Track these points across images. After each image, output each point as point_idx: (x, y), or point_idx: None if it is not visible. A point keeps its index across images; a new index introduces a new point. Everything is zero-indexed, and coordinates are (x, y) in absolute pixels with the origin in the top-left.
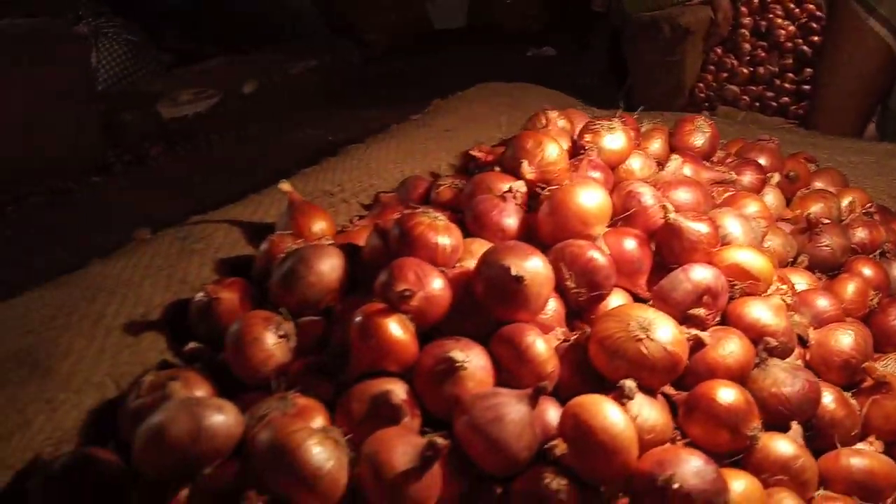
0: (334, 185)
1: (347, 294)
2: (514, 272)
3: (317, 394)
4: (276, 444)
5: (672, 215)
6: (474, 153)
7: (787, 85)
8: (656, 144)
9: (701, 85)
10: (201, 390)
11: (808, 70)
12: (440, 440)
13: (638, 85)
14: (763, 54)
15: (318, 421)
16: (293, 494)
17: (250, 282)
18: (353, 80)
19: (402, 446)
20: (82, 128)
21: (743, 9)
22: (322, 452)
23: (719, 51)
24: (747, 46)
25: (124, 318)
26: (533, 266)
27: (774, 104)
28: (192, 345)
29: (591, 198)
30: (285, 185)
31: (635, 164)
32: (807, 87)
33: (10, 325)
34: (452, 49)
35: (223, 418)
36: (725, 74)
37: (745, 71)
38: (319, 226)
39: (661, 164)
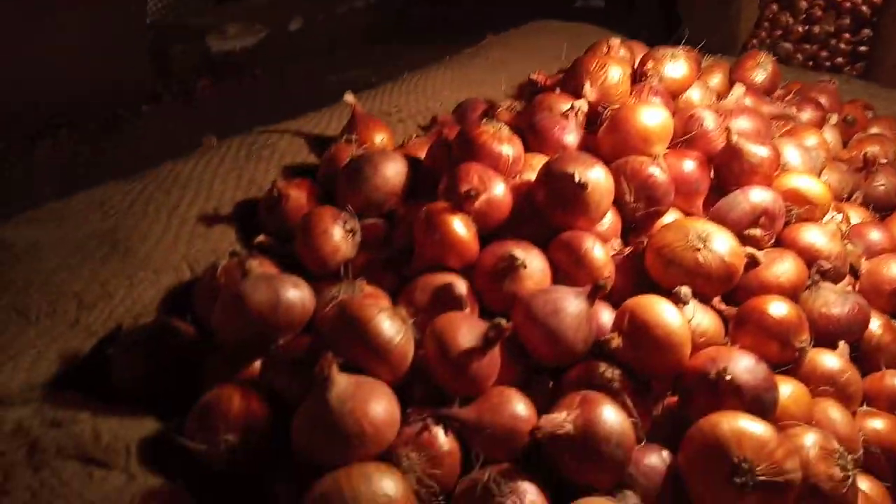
0: (391, 106)
1: (408, 200)
2: (577, 178)
3: (381, 284)
4: (350, 317)
5: (735, 138)
6: (534, 77)
7: (842, 45)
8: (716, 79)
9: (754, 41)
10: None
11: (866, 31)
12: (503, 322)
13: (690, 39)
14: (820, 13)
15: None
16: (365, 363)
17: (314, 182)
18: (397, 21)
19: (466, 327)
20: (133, 58)
21: None
22: (392, 326)
23: (775, 7)
24: (804, 4)
25: (197, 210)
26: (596, 175)
27: (828, 64)
28: (261, 237)
29: (653, 117)
30: (349, 97)
31: (695, 94)
32: (863, 47)
33: (92, 209)
34: None
35: (299, 293)
36: (780, 32)
37: (799, 29)
38: (381, 137)
39: (720, 98)
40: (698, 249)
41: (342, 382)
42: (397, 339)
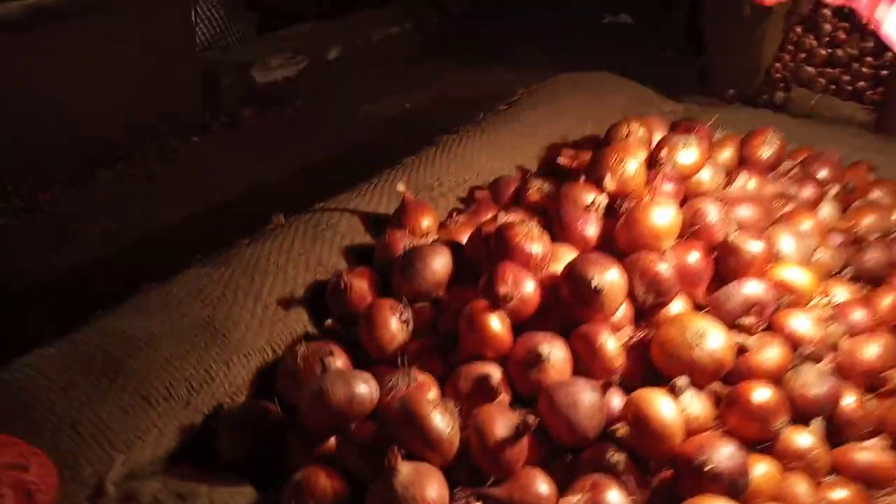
0: (433, 179)
1: (452, 284)
2: (594, 284)
3: (430, 370)
4: (408, 412)
5: (732, 236)
6: (561, 161)
7: (864, 69)
8: (727, 153)
9: (778, 65)
10: (341, 360)
11: (889, 54)
12: (531, 418)
13: (715, 61)
14: (843, 36)
15: (433, 393)
16: (420, 451)
17: (373, 269)
18: (432, 46)
19: (500, 420)
20: (184, 90)
21: None
22: (443, 421)
23: (799, 30)
24: (828, 27)
25: (276, 295)
26: (610, 277)
27: (850, 88)
28: (329, 322)
29: (663, 216)
30: (401, 187)
31: (705, 175)
32: (885, 71)
33: (193, 297)
34: (528, 12)
35: (368, 388)
36: (803, 55)
37: (823, 52)
38: (427, 222)
39: (729, 172)
40: (693, 347)
41: (404, 470)
42: (447, 431)
